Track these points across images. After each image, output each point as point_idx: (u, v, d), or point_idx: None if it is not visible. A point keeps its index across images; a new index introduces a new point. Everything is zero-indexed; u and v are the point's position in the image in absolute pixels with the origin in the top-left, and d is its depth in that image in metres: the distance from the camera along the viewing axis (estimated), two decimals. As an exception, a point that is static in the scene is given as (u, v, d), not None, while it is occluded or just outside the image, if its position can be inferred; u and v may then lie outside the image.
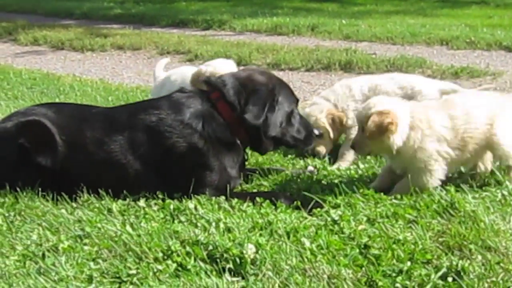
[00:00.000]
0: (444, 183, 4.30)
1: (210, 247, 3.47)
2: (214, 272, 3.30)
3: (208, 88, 4.65)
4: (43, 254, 3.57)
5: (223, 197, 4.26)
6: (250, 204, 4.20)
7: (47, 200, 4.31)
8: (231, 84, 4.54)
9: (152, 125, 4.43)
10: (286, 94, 4.66)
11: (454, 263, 3.26)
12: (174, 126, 4.40)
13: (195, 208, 4.07)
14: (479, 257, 3.34)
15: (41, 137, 4.46)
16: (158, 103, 4.59)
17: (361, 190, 4.32)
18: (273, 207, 4.14)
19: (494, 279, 3.12)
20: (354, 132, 4.96)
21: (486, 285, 3.08)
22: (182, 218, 3.97)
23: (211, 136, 4.43)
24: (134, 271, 3.32)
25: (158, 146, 4.39)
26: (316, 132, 4.85)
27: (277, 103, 4.55)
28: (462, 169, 4.67)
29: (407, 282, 3.13)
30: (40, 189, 4.38)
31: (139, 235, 3.66)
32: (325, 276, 3.21)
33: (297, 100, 4.80)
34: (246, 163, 4.90)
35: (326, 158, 5.17)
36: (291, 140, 4.71)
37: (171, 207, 4.12)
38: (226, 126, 4.50)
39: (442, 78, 9.21)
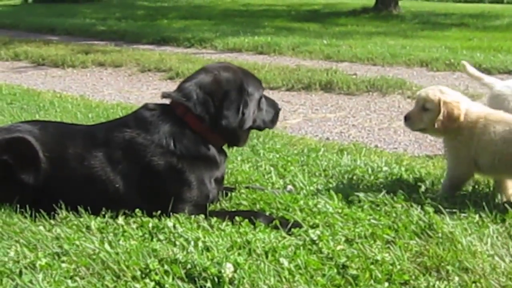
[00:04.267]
0: (422, 204, 4.34)
1: (189, 266, 3.46)
2: (192, 291, 3.30)
3: (172, 103, 4.61)
4: (20, 271, 3.53)
5: (202, 216, 4.25)
6: (229, 223, 4.18)
7: (25, 217, 4.28)
8: (196, 95, 4.48)
9: (126, 144, 4.42)
10: (253, 83, 4.67)
11: (432, 284, 3.28)
12: (147, 145, 4.39)
13: (174, 226, 4.06)
14: (456, 278, 3.36)
15: (25, 155, 4.41)
16: (128, 122, 4.57)
17: (339, 210, 4.34)
18: (252, 226, 4.13)
19: (470, 300, 3.14)
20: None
21: (462, 306, 3.10)
22: (161, 237, 3.96)
23: (183, 153, 4.40)
24: (112, 289, 3.31)
25: (134, 164, 4.39)
26: (279, 106, 4.99)
27: (248, 95, 4.56)
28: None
29: (385, 303, 3.14)
30: (18, 205, 4.34)
31: (117, 253, 3.64)
32: (303, 296, 3.22)
33: (261, 82, 4.84)
34: (225, 182, 4.91)
35: (303, 180, 5.16)
36: (262, 124, 4.80)
37: (150, 225, 4.10)
38: (198, 139, 4.47)
39: (422, 99, 9.29)
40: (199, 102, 4.48)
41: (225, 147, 4.75)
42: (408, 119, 4.92)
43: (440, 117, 4.68)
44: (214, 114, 4.48)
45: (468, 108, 4.74)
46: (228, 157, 4.91)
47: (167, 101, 4.65)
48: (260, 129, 4.91)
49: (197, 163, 4.46)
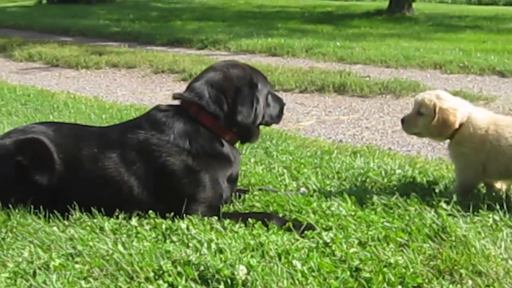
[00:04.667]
0: (436, 207, 4.33)
1: (202, 268, 3.46)
2: (205, 293, 3.31)
3: (183, 103, 4.63)
4: (34, 272, 3.55)
5: (215, 218, 4.25)
6: (242, 225, 4.19)
7: (39, 218, 4.30)
8: (208, 94, 4.51)
9: (140, 145, 4.43)
10: (261, 79, 4.72)
11: (445, 287, 3.26)
12: (162, 145, 4.40)
13: (187, 228, 4.07)
14: (470, 281, 3.35)
15: (40, 155, 4.43)
16: (141, 123, 4.58)
17: (353, 213, 4.34)
18: (265, 228, 4.13)
19: (484, 304, 3.13)
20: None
21: (476, 310, 3.10)
22: (174, 238, 3.96)
23: (200, 152, 4.42)
24: (125, 291, 3.32)
25: (149, 165, 4.40)
26: (284, 101, 4.99)
27: (258, 91, 4.59)
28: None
29: (398, 306, 3.14)
30: (32, 206, 4.36)
31: (130, 254, 3.65)
32: (316, 298, 3.22)
33: (267, 78, 4.88)
34: (239, 184, 4.92)
35: (316, 182, 5.16)
36: (269, 120, 4.83)
37: (163, 226, 4.11)
38: (213, 137, 4.50)
39: (435, 102, 9.27)
40: (212, 100, 4.51)
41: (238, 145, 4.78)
42: (404, 122, 4.95)
43: (435, 122, 4.69)
44: (228, 111, 4.50)
45: (473, 114, 4.71)
46: (241, 154, 4.91)
47: (178, 102, 4.66)
48: (268, 124, 4.93)
49: (213, 162, 4.47)
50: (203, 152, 4.43)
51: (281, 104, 4.91)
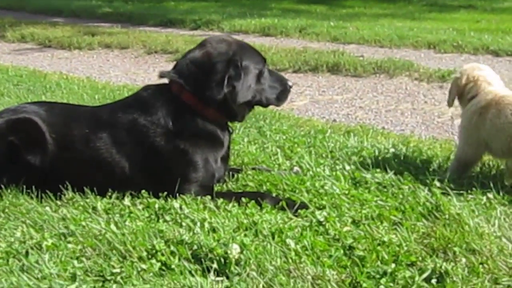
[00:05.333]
0: (429, 186, 4.33)
1: (195, 247, 3.45)
2: (198, 272, 3.29)
3: (169, 82, 4.58)
4: (27, 252, 3.54)
5: (208, 197, 4.24)
6: (236, 204, 4.17)
7: (32, 198, 4.28)
8: (187, 71, 4.45)
9: (129, 125, 4.41)
10: (250, 56, 4.55)
11: (438, 265, 3.26)
12: (148, 126, 4.38)
13: (180, 207, 4.05)
14: (463, 259, 3.35)
15: (32, 135, 4.41)
16: (129, 103, 4.57)
17: (346, 192, 4.33)
18: (258, 207, 4.12)
19: (477, 281, 3.12)
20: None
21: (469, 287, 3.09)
22: (167, 218, 3.95)
23: (183, 131, 4.39)
24: (118, 270, 3.30)
25: (137, 145, 4.39)
26: (290, 83, 4.78)
27: (242, 68, 4.43)
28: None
29: (391, 284, 3.13)
30: (25, 186, 4.34)
31: (123, 234, 3.64)
32: (309, 277, 3.21)
33: (264, 59, 4.71)
34: (232, 163, 4.90)
35: (309, 161, 5.14)
36: (264, 100, 4.66)
37: (156, 206, 4.10)
38: (196, 116, 4.44)
39: (429, 81, 9.27)
40: (191, 77, 4.44)
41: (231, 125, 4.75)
42: None
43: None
44: (204, 87, 4.43)
45: (481, 93, 4.70)
46: (232, 133, 4.82)
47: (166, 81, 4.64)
48: (262, 105, 4.77)
49: (199, 141, 4.43)
50: (187, 130, 4.40)
51: (283, 85, 4.73)
